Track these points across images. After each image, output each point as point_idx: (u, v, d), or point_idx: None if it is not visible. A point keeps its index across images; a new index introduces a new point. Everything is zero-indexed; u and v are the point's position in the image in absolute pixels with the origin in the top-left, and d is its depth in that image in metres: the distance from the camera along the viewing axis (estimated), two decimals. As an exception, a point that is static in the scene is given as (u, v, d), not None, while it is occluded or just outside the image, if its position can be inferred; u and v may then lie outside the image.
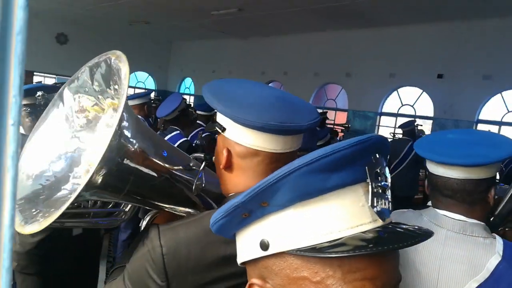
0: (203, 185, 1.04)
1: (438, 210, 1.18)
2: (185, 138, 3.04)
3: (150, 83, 16.43)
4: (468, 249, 1.08)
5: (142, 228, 1.22)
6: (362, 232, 0.46)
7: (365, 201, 0.47)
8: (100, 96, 0.99)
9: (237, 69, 13.30)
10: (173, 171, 1.03)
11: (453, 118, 8.68)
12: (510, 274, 1.02)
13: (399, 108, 10.26)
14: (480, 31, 8.29)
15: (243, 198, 0.48)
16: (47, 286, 2.08)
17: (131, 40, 14.27)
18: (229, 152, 0.93)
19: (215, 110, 0.94)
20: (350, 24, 9.67)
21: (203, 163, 1.05)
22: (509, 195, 1.47)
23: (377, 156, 0.49)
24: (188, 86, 15.99)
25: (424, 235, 0.47)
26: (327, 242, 0.45)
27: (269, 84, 11.88)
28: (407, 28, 9.23)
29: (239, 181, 0.93)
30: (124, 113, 0.82)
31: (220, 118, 0.93)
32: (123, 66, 0.86)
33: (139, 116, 0.88)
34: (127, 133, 0.88)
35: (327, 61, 10.95)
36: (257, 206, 0.49)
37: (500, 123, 8.62)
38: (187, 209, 1.11)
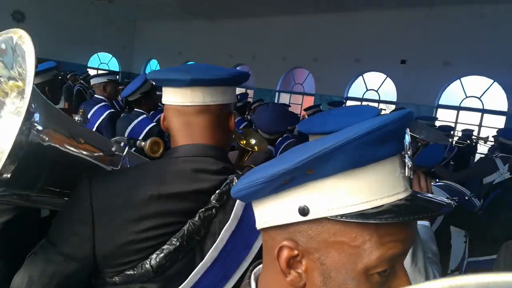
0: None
1: None
2: (154, 123, 2.95)
3: (114, 65, 15.89)
4: None
5: None
6: (399, 200, 0.50)
7: (400, 171, 0.51)
8: (1, 79, 0.89)
9: (205, 51, 13.08)
10: (92, 158, 0.98)
11: (414, 103, 8.96)
12: None
13: (364, 93, 10.48)
14: (441, 19, 8.53)
15: (293, 165, 0.46)
16: (14, 269, 2.01)
17: (92, 19, 13.69)
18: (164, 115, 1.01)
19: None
20: (317, 9, 9.69)
21: (127, 148, 1.05)
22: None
23: (407, 129, 0.53)
24: (154, 68, 15.60)
25: (448, 205, 0.51)
26: (371, 208, 0.48)
27: (237, 68, 11.78)
28: (373, 13, 9.36)
29: (172, 141, 1.01)
30: (32, 99, 0.73)
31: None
32: (27, 48, 0.77)
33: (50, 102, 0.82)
34: (37, 120, 0.80)
35: (294, 46, 10.96)
36: (302, 173, 0.48)
37: (458, 108, 8.98)
38: None
